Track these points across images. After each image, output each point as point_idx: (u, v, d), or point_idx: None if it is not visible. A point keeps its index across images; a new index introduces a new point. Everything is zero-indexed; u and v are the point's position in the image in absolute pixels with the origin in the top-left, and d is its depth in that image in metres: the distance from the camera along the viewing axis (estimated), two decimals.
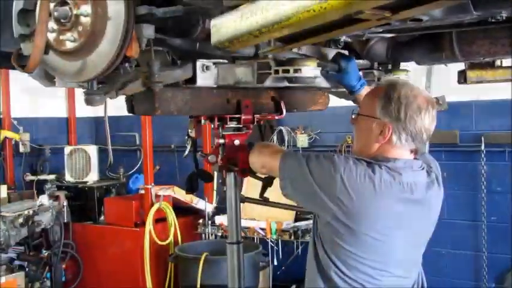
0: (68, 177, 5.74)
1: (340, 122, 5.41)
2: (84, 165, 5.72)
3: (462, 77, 2.68)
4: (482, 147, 4.86)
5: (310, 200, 1.90)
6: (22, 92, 5.88)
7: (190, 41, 1.77)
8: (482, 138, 4.86)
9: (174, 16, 1.60)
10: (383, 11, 1.12)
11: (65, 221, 5.25)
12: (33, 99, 5.88)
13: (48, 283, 5.18)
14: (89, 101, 1.62)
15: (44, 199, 4.94)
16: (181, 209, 5.35)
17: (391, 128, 1.87)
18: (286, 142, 5.66)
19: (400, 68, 2.56)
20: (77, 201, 5.55)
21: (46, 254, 5.04)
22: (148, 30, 1.54)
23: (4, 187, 5.53)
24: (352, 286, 1.89)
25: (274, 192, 2.11)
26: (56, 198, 5.26)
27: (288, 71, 1.87)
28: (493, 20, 1.62)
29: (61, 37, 1.50)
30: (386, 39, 2.07)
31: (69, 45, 1.50)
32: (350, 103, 5.15)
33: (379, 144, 1.92)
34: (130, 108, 2.01)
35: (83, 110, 6.59)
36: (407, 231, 1.93)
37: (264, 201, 2.59)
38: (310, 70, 1.88)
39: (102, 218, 5.39)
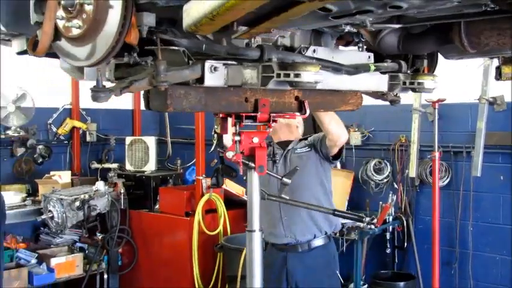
0: (128, 167, 6.01)
1: (394, 121, 5.35)
2: (143, 155, 5.96)
3: (498, 73, 2.61)
4: None
5: None
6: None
7: (196, 41, 1.84)
8: None
9: (178, 6, 1.67)
10: None
11: (122, 207, 5.49)
12: None
13: (103, 265, 5.45)
14: (94, 98, 1.74)
15: (100, 185, 5.20)
16: (233, 201, 5.46)
17: None
18: None
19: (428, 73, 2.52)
20: (137, 189, 5.80)
21: (100, 237, 5.30)
22: (149, 18, 1.62)
23: (68, 173, 5.89)
24: None
25: None
26: (115, 185, 5.52)
27: (288, 75, 1.90)
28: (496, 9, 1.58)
29: (68, 24, 1.62)
30: (398, 30, 2.06)
31: (75, 31, 1.62)
32: (405, 101, 5.10)
33: None
34: (146, 104, 2.11)
35: None
36: None
37: (283, 199, 2.67)
38: (311, 75, 1.90)
39: (157, 206, 5.59)
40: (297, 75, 1.88)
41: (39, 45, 1.60)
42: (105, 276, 5.50)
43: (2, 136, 5.56)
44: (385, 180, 5.40)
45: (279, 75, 1.92)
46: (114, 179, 5.61)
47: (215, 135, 2.53)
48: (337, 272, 3.61)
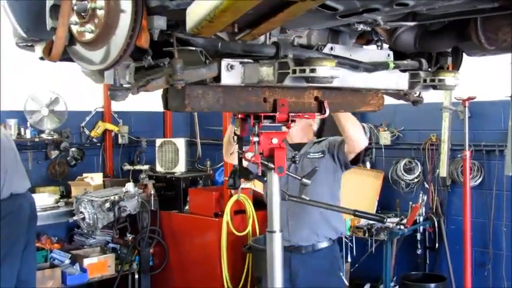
0: (159, 168, 6.07)
1: (424, 120, 5.27)
2: (173, 156, 6.01)
3: None
4: None
5: None
6: None
7: (212, 39, 1.85)
8: None
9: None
10: None
11: (153, 208, 5.55)
12: None
13: (135, 266, 5.53)
14: (112, 96, 1.77)
15: (130, 186, 5.28)
16: (261, 202, 5.44)
17: None
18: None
19: (449, 70, 2.48)
20: (167, 190, 5.86)
21: (130, 238, 5.38)
22: (160, 22, 1.64)
23: (100, 175, 6.00)
24: None
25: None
26: (145, 186, 5.60)
27: (304, 71, 1.89)
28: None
29: (81, 29, 1.65)
30: (414, 28, 2.02)
31: (88, 36, 1.65)
32: (435, 100, 5.01)
33: None
34: (165, 105, 2.13)
35: None
36: None
37: (303, 199, 2.66)
38: (326, 70, 1.88)
39: (187, 207, 5.64)
40: (312, 71, 1.86)
41: (53, 50, 1.64)
42: (137, 276, 5.58)
43: (37, 139, 5.70)
44: (416, 180, 5.32)
45: (294, 71, 1.91)
46: (145, 181, 5.68)
47: (235, 137, 2.53)
48: (341, 273, 3.58)
